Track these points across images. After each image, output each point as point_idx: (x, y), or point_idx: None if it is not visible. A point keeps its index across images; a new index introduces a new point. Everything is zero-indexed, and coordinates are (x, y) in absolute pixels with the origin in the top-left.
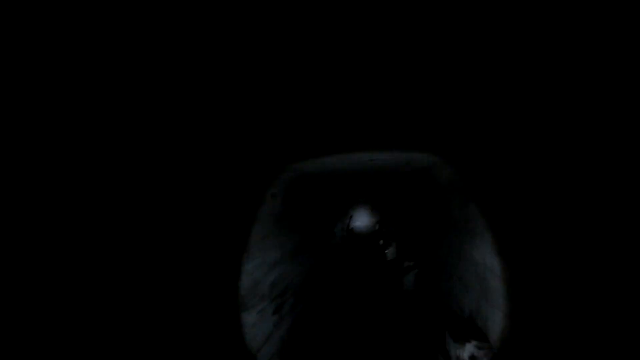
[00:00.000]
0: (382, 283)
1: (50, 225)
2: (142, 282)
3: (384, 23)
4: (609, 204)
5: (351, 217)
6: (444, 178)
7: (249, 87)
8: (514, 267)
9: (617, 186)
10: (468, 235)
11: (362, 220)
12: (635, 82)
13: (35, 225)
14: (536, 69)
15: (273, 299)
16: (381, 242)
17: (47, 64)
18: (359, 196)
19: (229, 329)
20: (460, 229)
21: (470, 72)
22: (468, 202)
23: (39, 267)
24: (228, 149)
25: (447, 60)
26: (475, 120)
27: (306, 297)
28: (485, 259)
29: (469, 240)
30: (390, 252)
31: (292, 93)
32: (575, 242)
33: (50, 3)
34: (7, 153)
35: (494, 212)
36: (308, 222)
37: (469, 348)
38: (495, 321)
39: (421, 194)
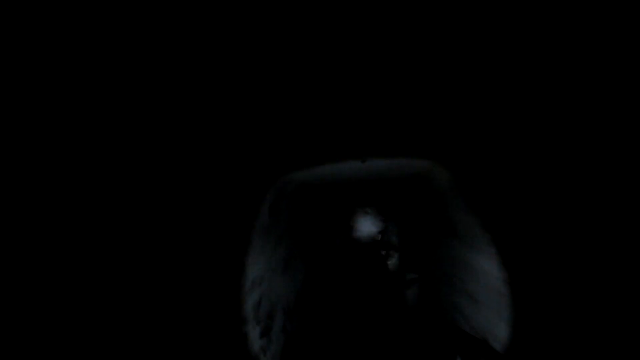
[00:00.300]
0: (383, 297)
1: (50, 226)
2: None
3: (379, 33)
4: (613, 209)
5: (352, 226)
6: (445, 181)
7: (235, 99)
8: (518, 276)
9: (621, 192)
10: (476, 243)
11: (362, 229)
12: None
13: (35, 225)
14: (538, 69)
15: (258, 321)
16: (383, 252)
17: (47, 63)
18: (359, 205)
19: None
20: (466, 236)
21: (462, 73)
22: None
23: (41, 267)
24: (210, 157)
25: (441, 64)
26: (470, 123)
27: (300, 315)
28: (501, 271)
29: (478, 249)
30: (392, 263)
31: (278, 103)
32: (582, 249)
33: (51, 3)
34: (7, 153)
35: (494, 219)
36: (302, 233)
37: None
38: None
39: (422, 199)
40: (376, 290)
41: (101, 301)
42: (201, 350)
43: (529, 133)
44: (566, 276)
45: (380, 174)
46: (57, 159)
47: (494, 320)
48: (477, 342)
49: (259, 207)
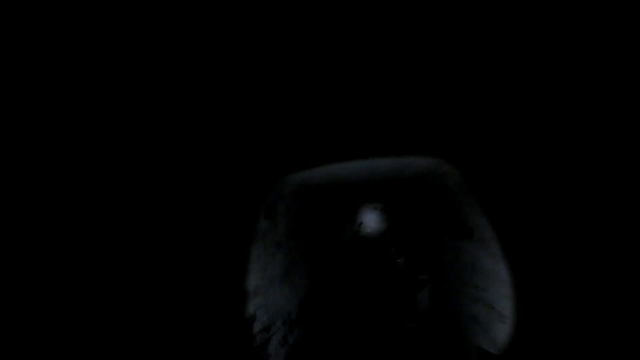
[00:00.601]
0: (394, 299)
1: (56, 226)
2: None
3: (386, 32)
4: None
5: (360, 224)
6: (456, 179)
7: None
8: (524, 277)
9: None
10: (494, 247)
11: (370, 226)
12: None
13: (41, 224)
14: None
15: (253, 337)
16: (392, 250)
17: (48, 64)
18: (366, 203)
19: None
20: (483, 239)
21: (469, 70)
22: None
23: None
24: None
25: (447, 64)
26: (483, 122)
27: (304, 324)
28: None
29: (496, 254)
30: (402, 261)
31: (277, 105)
32: (594, 255)
33: (51, 3)
34: (7, 153)
35: (502, 219)
36: (305, 236)
37: None
38: None
39: (432, 198)
40: (386, 292)
41: (101, 300)
42: None
43: (547, 132)
44: (581, 283)
45: (386, 173)
46: (59, 162)
47: (517, 336)
48: None
49: (253, 211)
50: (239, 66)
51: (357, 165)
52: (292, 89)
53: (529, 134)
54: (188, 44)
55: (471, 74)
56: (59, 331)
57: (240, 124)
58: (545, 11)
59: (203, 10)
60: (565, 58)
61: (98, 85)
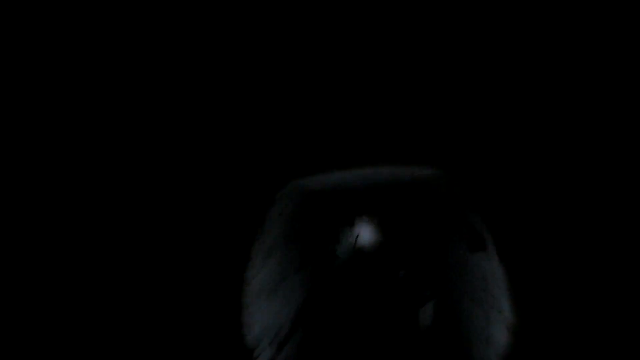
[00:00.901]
0: (392, 316)
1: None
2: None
3: (391, 37)
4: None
5: (358, 234)
6: (458, 184)
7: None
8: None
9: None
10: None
11: (368, 236)
12: None
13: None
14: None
15: None
16: (391, 260)
17: (45, 63)
18: (364, 209)
19: None
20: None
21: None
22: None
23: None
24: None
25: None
26: (487, 131)
27: (295, 344)
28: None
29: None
30: (402, 273)
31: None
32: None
33: (48, 2)
34: (5, 153)
35: (498, 222)
36: (300, 243)
37: None
38: None
39: (435, 202)
40: (384, 308)
41: (100, 301)
42: None
43: (548, 134)
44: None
45: (386, 180)
46: (58, 164)
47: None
48: None
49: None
50: (242, 79)
51: (356, 172)
52: (296, 91)
53: (530, 138)
54: (198, 53)
55: (472, 87)
56: (52, 332)
57: (236, 130)
58: (557, 16)
59: (214, 12)
60: (559, 59)
61: (110, 82)
